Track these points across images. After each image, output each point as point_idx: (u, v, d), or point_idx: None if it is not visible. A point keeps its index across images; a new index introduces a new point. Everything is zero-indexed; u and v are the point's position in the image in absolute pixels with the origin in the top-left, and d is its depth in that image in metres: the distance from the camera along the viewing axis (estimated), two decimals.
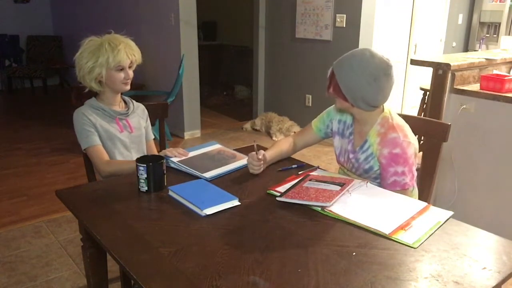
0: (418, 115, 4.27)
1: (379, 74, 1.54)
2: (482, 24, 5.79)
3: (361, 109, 1.62)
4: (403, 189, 1.60)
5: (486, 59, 2.88)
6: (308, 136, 1.90)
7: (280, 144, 1.86)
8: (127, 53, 1.84)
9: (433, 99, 2.78)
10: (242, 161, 1.79)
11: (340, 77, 1.57)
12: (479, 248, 1.20)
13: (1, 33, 7.09)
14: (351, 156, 1.74)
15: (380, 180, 1.66)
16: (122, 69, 1.85)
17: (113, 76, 1.85)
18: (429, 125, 1.87)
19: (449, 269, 1.09)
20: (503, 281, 1.07)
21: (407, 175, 1.60)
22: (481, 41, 5.70)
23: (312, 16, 4.61)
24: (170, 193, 1.50)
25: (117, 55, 1.80)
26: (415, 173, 1.64)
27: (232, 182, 1.63)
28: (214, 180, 1.63)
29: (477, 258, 1.14)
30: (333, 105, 1.83)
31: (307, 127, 1.91)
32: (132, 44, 1.89)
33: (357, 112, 1.65)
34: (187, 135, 4.95)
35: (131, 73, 1.89)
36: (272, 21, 5.16)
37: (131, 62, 1.87)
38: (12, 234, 2.81)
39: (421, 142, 1.87)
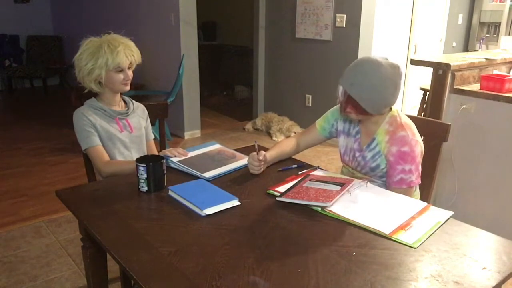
0: (418, 115, 4.27)
1: (396, 79, 1.58)
2: (482, 24, 5.79)
3: (379, 114, 1.64)
4: (409, 187, 1.61)
5: (486, 59, 2.88)
6: (311, 136, 1.90)
7: (282, 144, 1.86)
8: (126, 54, 1.83)
9: (433, 99, 2.78)
10: (242, 161, 1.79)
11: (363, 98, 1.56)
12: (479, 248, 1.20)
13: (1, 33, 7.09)
14: (357, 154, 1.74)
15: (386, 178, 1.66)
16: (121, 70, 1.85)
17: (113, 77, 1.85)
18: (429, 125, 1.87)
19: (449, 269, 1.09)
20: (503, 281, 1.07)
21: (413, 173, 1.61)
22: (481, 41, 5.71)
23: (312, 16, 4.60)
24: (170, 193, 1.50)
25: (116, 57, 1.80)
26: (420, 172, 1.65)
27: (232, 182, 1.63)
28: (214, 180, 1.63)
29: (477, 258, 1.14)
30: (338, 105, 1.83)
31: (311, 127, 1.91)
32: (131, 44, 1.89)
33: (370, 115, 1.66)
34: (187, 135, 4.95)
35: (130, 73, 1.89)
36: (272, 21, 5.16)
37: (130, 63, 1.87)
38: (12, 234, 2.81)
39: (422, 140, 1.87)
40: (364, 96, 1.56)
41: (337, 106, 1.85)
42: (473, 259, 1.14)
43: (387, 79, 1.55)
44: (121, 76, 1.86)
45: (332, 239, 1.23)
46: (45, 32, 7.57)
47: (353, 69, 1.59)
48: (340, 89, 1.61)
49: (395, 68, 1.58)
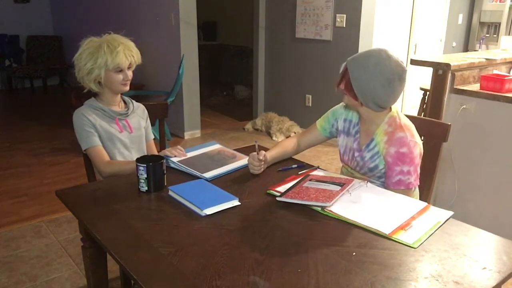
0: (418, 115, 4.27)
1: (393, 78, 1.55)
2: (482, 24, 5.79)
3: (370, 109, 1.63)
4: (407, 188, 1.61)
5: (486, 59, 2.88)
6: (312, 136, 1.90)
7: (283, 144, 1.86)
8: (126, 54, 1.83)
9: (433, 99, 2.78)
10: (242, 161, 1.79)
11: (353, 76, 1.57)
12: (479, 248, 1.20)
13: (1, 33, 7.08)
14: (356, 154, 1.74)
15: (385, 179, 1.66)
16: (120, 70, 1.85)
17: (112, 78, 1.85)
18: (429, 125, 1.87)
19: (449, 269, 1.09)
20: (503, 281, 1.07)
21: (412, 175, 1.60)
22: (481, 41, 5.71)
23: (312, 16, 4.60)
24: (170, 193, 1.50)
25: (116, 57, 1.80)
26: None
27: (232, 182, 1.63)
28: (214, 180, 1.63)
29: (477, 258, 1.14)
30: (338, 105, 1.84)
31: (311, 127, 1.91)
32: (131, 45, 1.89)
33: (365, 111, 1.66)
34: (187, 135, 4.95)
35: (130, 74, 1.89)
36: (272, 21, 5.16)
37: (130, 63, 1.87)
38: (12, 234, 2.81)
39: (421, 142, 1.87)
40: (356, 74, 1.56)
41: (337, 106, 1.85)
42: (473, 259, 1.14)
43: (382, 70, 1.53)
44: (120, 76, 1.85)
45: (332, 239, 1.23)
46: (45, 32, 7.56)
47: (364, 51, 1.61)
48: (345, 63, 1.63)
49: (399, 69, 1.55)
